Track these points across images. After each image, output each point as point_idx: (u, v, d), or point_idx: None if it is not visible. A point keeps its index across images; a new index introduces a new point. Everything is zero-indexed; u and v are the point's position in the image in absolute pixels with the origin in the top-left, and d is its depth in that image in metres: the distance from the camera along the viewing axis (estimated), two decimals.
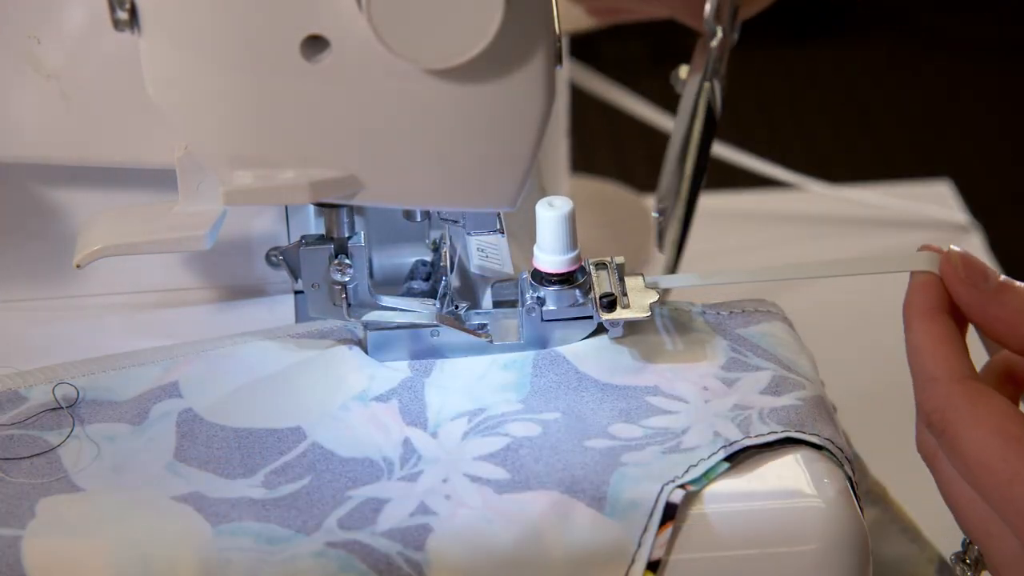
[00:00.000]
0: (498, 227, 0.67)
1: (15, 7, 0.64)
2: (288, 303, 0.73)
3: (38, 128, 0.66)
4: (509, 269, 0.68)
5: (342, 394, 0.64)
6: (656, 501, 0.55)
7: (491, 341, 0.67)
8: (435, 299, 0.68)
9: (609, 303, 0.66)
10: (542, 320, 0.67)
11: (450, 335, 0.67)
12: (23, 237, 0.71)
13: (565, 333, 0.67)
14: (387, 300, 0.67)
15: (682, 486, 0.56)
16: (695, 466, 0.58)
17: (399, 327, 0.67)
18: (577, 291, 0.66)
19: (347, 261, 0.65)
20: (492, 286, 0.69)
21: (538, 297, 0.66)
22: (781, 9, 0.82)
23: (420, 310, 0.67)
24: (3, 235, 0.71)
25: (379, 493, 0.57)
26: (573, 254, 0.66)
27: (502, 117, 0.53)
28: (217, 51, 0.51)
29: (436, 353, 0.67)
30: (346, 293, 0.66)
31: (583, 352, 0.66)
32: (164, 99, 0.53)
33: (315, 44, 0.52)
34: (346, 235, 0.65)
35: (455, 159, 0.54)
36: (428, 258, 0.72)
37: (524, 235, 0.71)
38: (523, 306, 0.66)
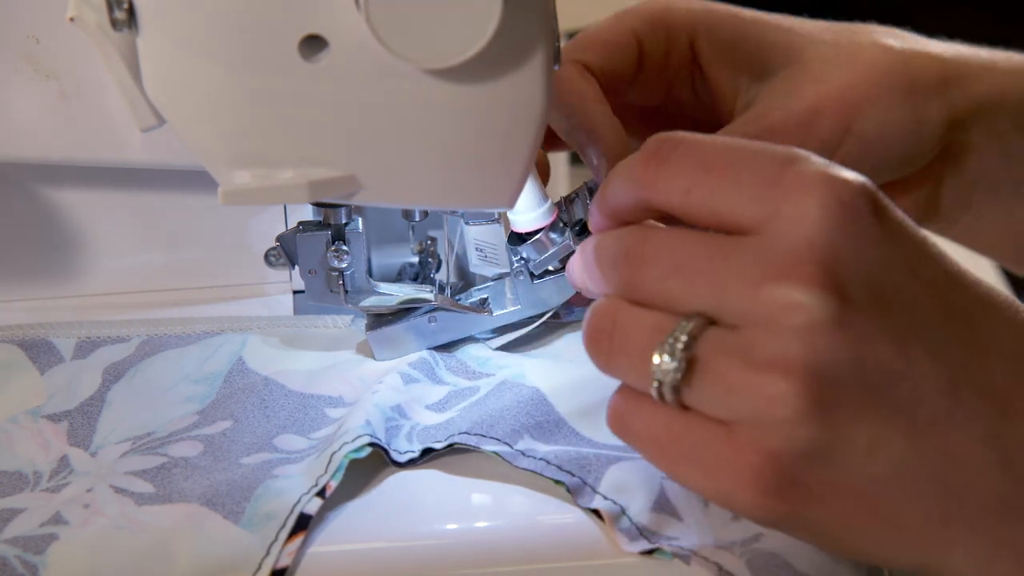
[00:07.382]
0: (496, 218, 0.67)
1: (15, 7, 0.64)
2: (287, 303, 0.73)
3: (38, 128, 0.66)
4: (507, 268, 0.68)
5: (16, 407, 0.64)
6: (291, 512, 0.55)
7: (491, 313, 0.67)
8: (432, 286, 0.68)
9: (582, 228, 0.64)
10: (532, 281, 0.66)
11: (448, 319, 0.67)
12: (23, 237, 0.72)
13: (560, 287, 0.66)
14: (384, 286, 0.67)
15: (321, 492, 0.55)
16: (331, 460, 0.57)
17: (395, 314, 0.67)
18: (553, 233, 0.65)
19: (344, 248, 0.65)
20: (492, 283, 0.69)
21: (521, 258, 0.66)
22: (781, 9, 0.81)
23: (418, 294, 0.67)
24: (3, 235, 0.71)
25: (17, 504, 0.57)
26: (545, 206, 0.64)
27: (500, 117, 0.53)
28: (215, 51, 0.51)
29: (438, 339, 0.67)
30: (343, 279, 0.65)
31: (268, 358, 0.67)
32: (162, 99, 0.53)
33: (313, 44, 0.52)
34: (343, 222, 0.65)
35: (453, 159, 0.54)
36: (415, 259, 0.71)
37: None
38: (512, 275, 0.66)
